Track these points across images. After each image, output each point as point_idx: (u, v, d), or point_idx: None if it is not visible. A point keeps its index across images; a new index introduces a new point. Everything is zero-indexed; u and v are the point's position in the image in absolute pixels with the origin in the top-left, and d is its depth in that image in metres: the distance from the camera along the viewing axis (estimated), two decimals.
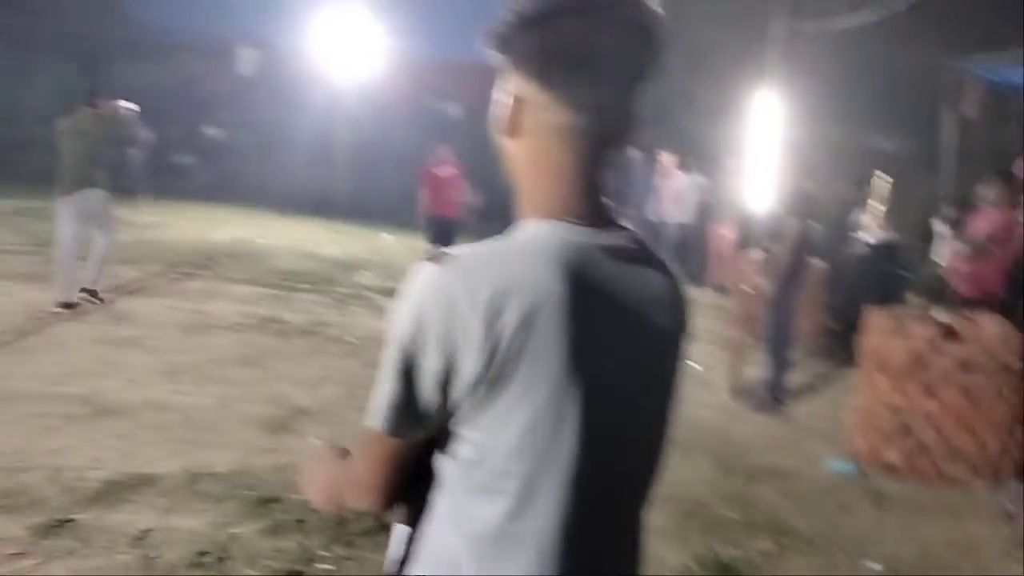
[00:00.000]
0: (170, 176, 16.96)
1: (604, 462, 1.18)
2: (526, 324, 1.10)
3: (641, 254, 1.25)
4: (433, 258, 1.15)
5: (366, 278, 10.79)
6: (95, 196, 7.78)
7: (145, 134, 15.65)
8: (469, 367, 1.10)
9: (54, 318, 7.30)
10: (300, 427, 5.31)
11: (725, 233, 11.25)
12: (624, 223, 1.27)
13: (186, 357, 6.56)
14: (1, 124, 17.38)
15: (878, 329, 5.53)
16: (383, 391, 1.17)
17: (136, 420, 5.18)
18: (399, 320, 1.15)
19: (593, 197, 1.22)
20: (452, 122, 19.07)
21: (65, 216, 7.66)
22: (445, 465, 1.19)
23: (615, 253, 1.20)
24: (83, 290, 7.84)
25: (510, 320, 1.09)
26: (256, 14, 18.77)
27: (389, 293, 9.94)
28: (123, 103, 15.69)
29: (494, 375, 1.10)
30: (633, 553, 1.29)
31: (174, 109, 18.74)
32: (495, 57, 1.24)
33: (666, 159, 11.30)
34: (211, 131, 18.34)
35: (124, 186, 15.16)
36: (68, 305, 7.55)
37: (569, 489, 1.15)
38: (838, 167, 15.49)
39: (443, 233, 10.05)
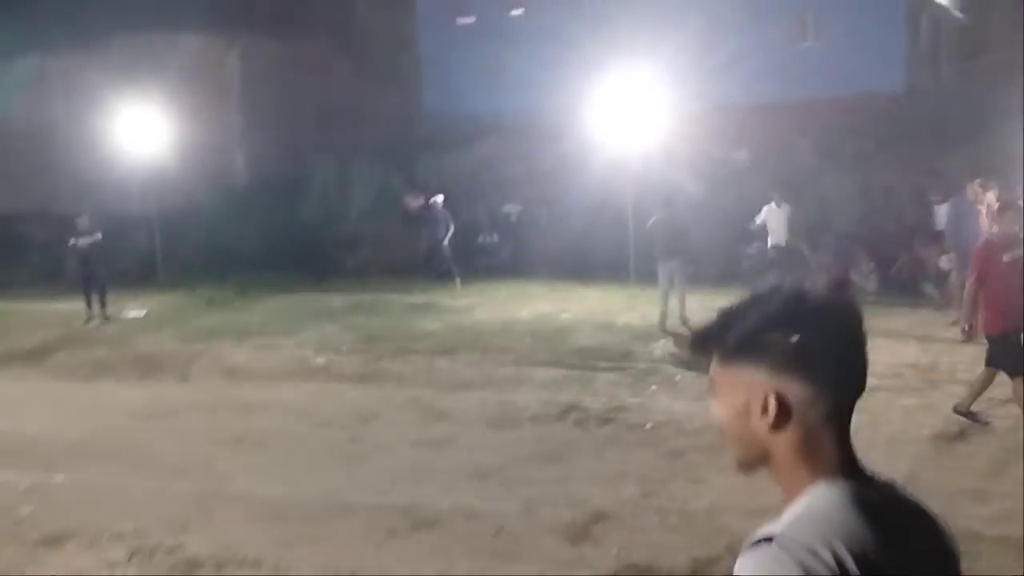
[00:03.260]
0: (478, 256, 18.11)
1: None
2: None
3: (914, 502, 1.40)
4: (759, 543, 1.25)
5: (662, 348, 10.80)
6: None
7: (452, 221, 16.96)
8: None
9: (378, 419, 8.03)
10: (600, 534, 5.41)
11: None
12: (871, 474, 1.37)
13: (494, 456, 6.94)
14: (331, 224, 19.54)
15: None
16: None
17: (451, 533, 5.55)
18: None
19: (854, 458, 1.35)
20: (741, 168, 18.69)
21: None
22: None
23: (900, 504, 1.36)
24: None
25: None
26: (543, 92, 19.71)
27: (686, 365, 9.88)
28: (438, 198, 17.08)
29: None
30: None
31: (477, 192, 20.11)
32: (735, 364, 1.34)
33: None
34: (510, 208, 19.37)
35: (442, 271, 16.55)
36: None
37: None
38: None
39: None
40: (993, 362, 6.91)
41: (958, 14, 20.96)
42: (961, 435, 7.00)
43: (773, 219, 14.79)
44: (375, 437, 7.59)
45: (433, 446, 7.28)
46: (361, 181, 20.74)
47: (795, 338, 1.30)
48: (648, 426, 7.65)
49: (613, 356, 10.41)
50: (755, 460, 1.36)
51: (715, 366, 1.36)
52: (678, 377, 9.36)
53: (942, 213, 13.58)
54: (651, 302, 14.18)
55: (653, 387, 9.06)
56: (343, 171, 20.96)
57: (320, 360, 10.68)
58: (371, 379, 9.65)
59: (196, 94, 19.14)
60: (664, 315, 12.02)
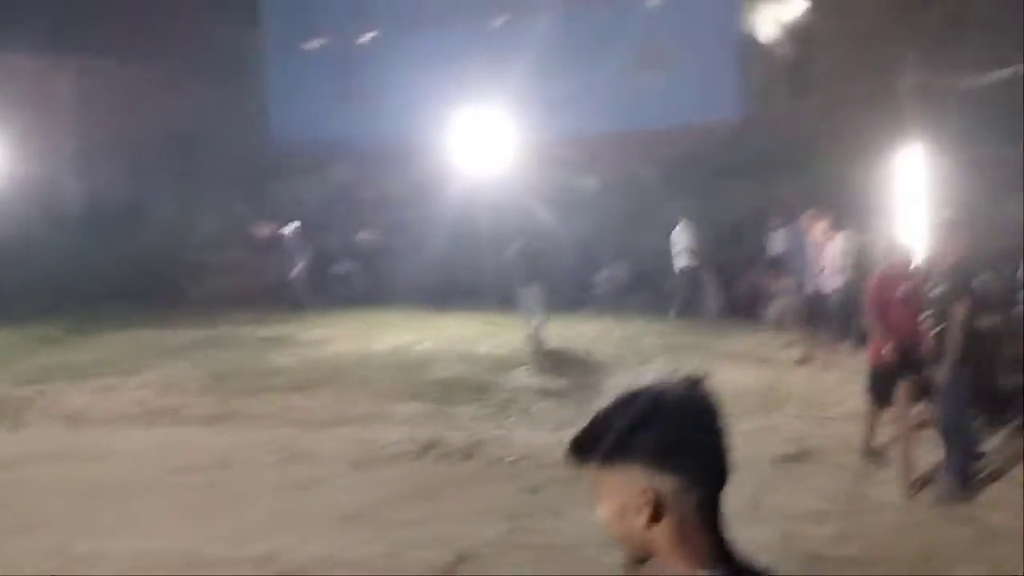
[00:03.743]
0: (332, 285, 17.86)
1: None
2: None
3: None
4: None
5: (521, 377, 10.97)
6: None
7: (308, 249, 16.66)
8: None
9: (233, 464, 7.79)
10: None
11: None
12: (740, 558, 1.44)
13: (356, 498, 6.87)
14: (175, 254, 18.82)
15: None
16: None
17: None
18: None
19: (728, 546, 1.43)
20: (589, 196, 19.24)
21: None
22: None
23: None
24: None
25: None
26: (396, 118, 19.70)
27: (543, 394, 10.09)
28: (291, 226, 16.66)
29: None
30: None
31: (329, 219, 19.85)
32: (609, 468, 1.43)
33: (820, 226, 10.98)
34: (365, 236, 19.22)
35: (297, 301, 16.19)
36: None
37: None
38: (1006, 187, 14.68)
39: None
40: (874, 391, 7.01)
41: (787, 50, 22.36)
42: (799, 457, 7.44)
43: (680, 239, 15.01)
44: (231, 483, 7.36)
45: (293, 490, 7.13)
46: (207, 208, 20.09)
47: (660, 438, 1.40)
48: (509, 460, 7.75)
49: (472, 387, 10.49)
50: (642, 555, 1.45)
51: (593, 472, 1.45)
52: (536, 407, 9.53)
53: (778, 239, 14.45)
54: (509, 329, 14.38)
55: (512, 418, 9.18)
56: (188, 198, 20.23)
57: (168, 401, 10.26)
58: (224, 420, 9.35)
59: (27, 118, 18.07)
60: (531, 338, 12.35)
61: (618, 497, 1.43)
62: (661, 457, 1.40)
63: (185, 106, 21.70)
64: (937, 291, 6.48)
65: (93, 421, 9.53)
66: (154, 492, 7.20)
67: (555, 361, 11.93)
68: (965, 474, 6.45)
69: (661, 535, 1.42)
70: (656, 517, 1.41)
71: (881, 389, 6.96)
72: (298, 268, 16.37)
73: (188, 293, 17.88)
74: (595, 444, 1.44)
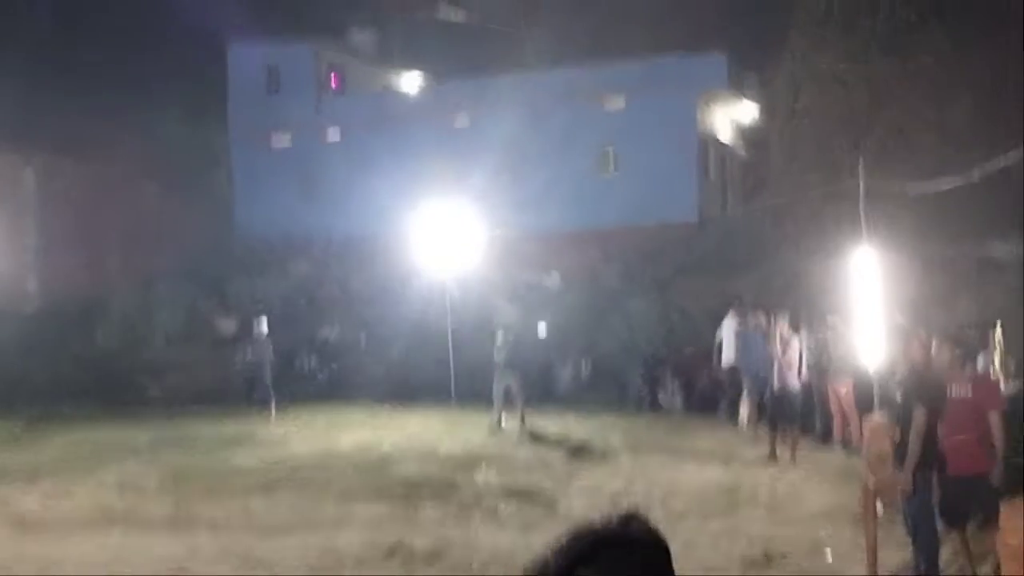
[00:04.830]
0: (295, 382, 17.68)
1: None
2: None
3: None
4: None
5: (485, 477, 10.87)
6: None
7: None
8: None
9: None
10: None
11: (843, 392, 11.08)
12: None
13: None
14: (134, 351, 18.58)
15: (1016, 528, 5.22)
16: None
17: None
18: None
19: None
20: (552, 292, 19.46)
21: None
22: None
23: None
24: None
25: None
26: (357, 215, 19.90)
27: (508, 494, 9.99)
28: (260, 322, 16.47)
29: None
30: None
31: (292, 315, 19.78)
32: None
33: (782, 326, 11.19)
34: (327, 331, 19.18)
35: (258, 399, 15.93)
36: None
37: None
38: (954, 286, 15.13)
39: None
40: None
41: (742, 152, 23.12)
42: (765, 559, 7.42)
43: (729, 333, 14.17)
44: None
45: None
46: (167, 304, 19.97)
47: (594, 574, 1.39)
48: (474, 565, 7.62)
49: (436, 487, 10.36)
50: None
51: None
52: (501, 507, 9.42)
53: (734, 337, 14.61)
54: (473, 426, 14.31)
55: (477, 520, 9.05)
56: (147, 294, 20.12)
57: (122, 504, 9.99)
58: (180, 525, 9.09)
59: None
60: (497, 424, 13.59)
61: None
62: None
63: (147, 202, 21.80)
64: (897, 397, 6.61)
65: (45, 527, 9.21)
66: None
67: (522, 458, 11.87)
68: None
69: None
70: None
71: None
72: (266, 365, 16.13)
73: (148, 390, 17.59)
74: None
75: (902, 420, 6.51)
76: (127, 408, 15.79)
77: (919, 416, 6.34)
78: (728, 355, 14.56)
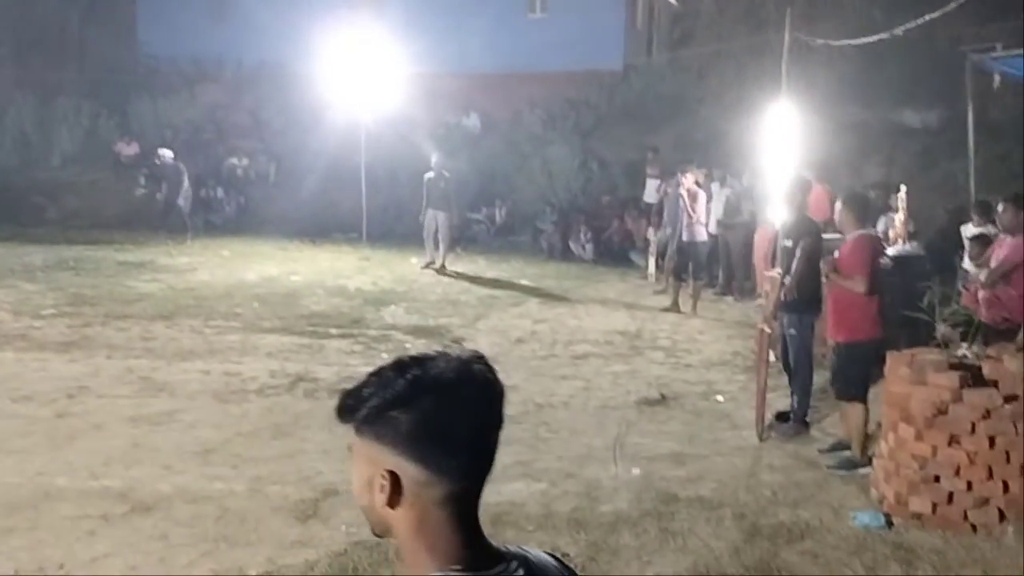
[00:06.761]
0: (201, 211, 17.18)
1: None
2: None
3: None
4: None
5: (394, 315, 10.91)
6: None
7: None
8: None
9: (88, 393, 7.47)
10: (329, 511, 5.42)
11: (765, 240, 11.27)
12: (513, 552, 1.39)
13: (219, 432, 6.70)
14: (30, 169, 17.72)
15: (899, 377, 5.49)
16: None
17: (172, 516, 5.31)
18: None
19: (475, 542, 1.35)
20: (471, 134, 19.10)
21: None
22: None
23: None
24: None
25: None
26: (271, 41, 18.91)
27: (415, 332, 10.07)
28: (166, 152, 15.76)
29: None
30: None
31: (199, 142, 19.01)
32: (363, 437, 1.36)
33: (688, 180, 11.19)
34: (236, 161, 18.54)
35: (174, 226, 15.43)
36: None
37: None
38: (864, 149, 15.45)
39: None
40: (838, 380, 6.29)
41: (672, 1, 22.60)
42: (662, 402, 7.70)
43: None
44: (84, 413, 7.05)
45: (151, 423, 6.89)
46: (66, 122, 18.90)
47: (412, 423, 1.31)
48: None
49: (344, 322, 10.37)
50: (383, 531, 1.39)
51: (354, 435, 1.38)
52: (408, 344, 9.50)
53: (651, 187, 14.72)
54: (384, 265, 14.29)
55: (384, 355, 9.11)
56: (45, 110, 18.98)
57: (18, 324, 9.73)
58: (79, 347, 8.93)
59: None
60: (431, 260, 13.85)
61: (365, 469, 1.36)
62: (408, 443, 1.32)
63: (45, 10, 20.24)
64: (786, 242, 6.82)
65: None
66: (0, 421, 6.83)
67: (431, 299, 11.93)
68: (805, 415, 6.84)
69: (402, 522, 1.35)
70: (395, 502, 1.34)
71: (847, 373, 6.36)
72: (184, 191, 15.53)
73: (45, 211, 16.90)
74: (357, 407, 1.36)
75: (784, 264, 6.72)
76: (22, 229, 15.17)
77: (803, 247, 6.53)
78: (643, 204, 14.77)
